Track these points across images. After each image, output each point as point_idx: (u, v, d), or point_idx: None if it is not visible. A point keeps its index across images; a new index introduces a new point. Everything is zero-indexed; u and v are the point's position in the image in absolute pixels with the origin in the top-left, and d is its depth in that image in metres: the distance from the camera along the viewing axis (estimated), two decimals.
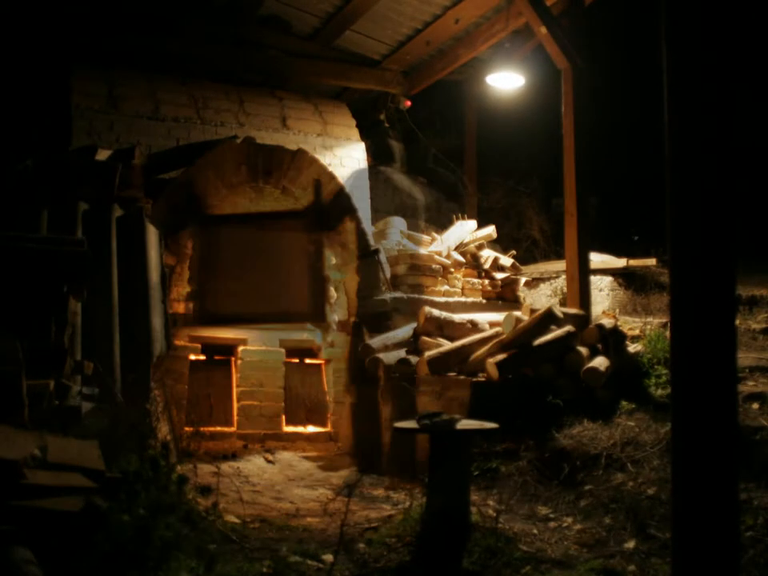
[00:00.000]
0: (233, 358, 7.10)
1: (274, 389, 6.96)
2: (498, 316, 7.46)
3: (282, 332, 7.12)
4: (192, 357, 6.81)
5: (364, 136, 9.26)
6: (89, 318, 4.93)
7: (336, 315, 7.32)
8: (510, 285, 8.00)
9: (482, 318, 7.16)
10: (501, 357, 5.80)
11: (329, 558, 3.86)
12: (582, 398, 5.74)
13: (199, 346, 6.88)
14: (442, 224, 9.76)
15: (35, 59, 7.92)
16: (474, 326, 6.91)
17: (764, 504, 4.06)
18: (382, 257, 7.58)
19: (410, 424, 4.43)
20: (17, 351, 3.61)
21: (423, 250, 7.81)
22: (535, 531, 4.29)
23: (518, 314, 6.43)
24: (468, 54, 8.71)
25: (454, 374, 6.10)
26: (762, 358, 6.14)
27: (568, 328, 6.04)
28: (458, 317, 6.93)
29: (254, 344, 7.00)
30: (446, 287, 7.70)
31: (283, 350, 7.07)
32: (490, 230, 8.38)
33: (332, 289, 7.25)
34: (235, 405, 6.89)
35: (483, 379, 5.91)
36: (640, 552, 3.89)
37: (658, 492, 4.42)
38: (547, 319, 6.03)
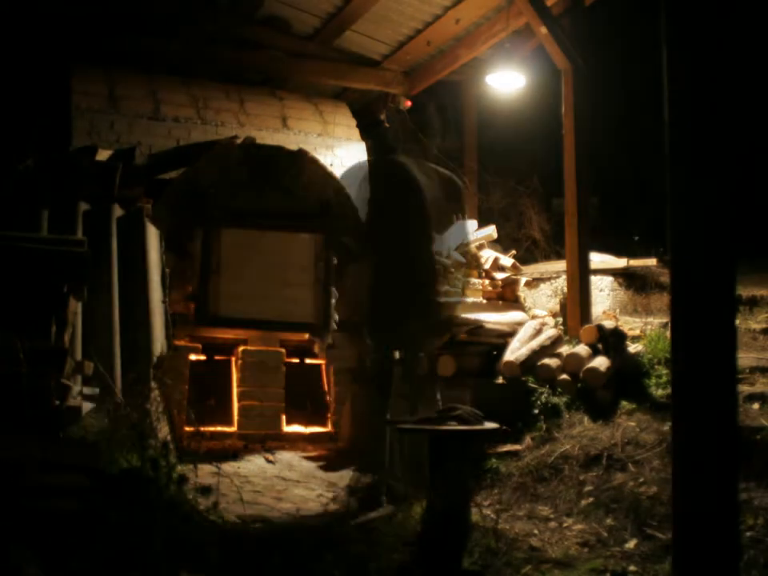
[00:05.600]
0: (233, 358, 7.09)
1: (274, 389, 6.95)
2: (499, 316, 7.46)
3: (283, 332, 7.11)
4: (192, 357, 6.81)
5: (364, 136, 9.26)
6: (89, 318, 4.93)
7: (337, 315, 7.31)
8: (510, 285, 7.99)
9: (484, 318, 7.15)
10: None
11: (329, 558, 3.86)
12: (583, 398, 5.75)
13: (199, 345, 6.88)
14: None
15: (35, 59, 7.91)
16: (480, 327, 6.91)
17: (764, 504, 4.06)
18: None
19: (411, 424, 4.43)
20: (17, 351, 3.61)
21: None
22: (535, 531, 4.29)
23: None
24: (468, 54, 8.70)
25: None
26: (762, 358, 6.13)
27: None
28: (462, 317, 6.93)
29: (255, 344, 6.99)
30: (447, 287, 7.69)
31: (283, 350, 7.06)
32: (491, 230, 8.38)
33: (333, 289, 7.25)
34: (235, 405, 6.89)
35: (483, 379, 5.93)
36: (640, 552, 3.89)
37: (659, 492, 4.42)
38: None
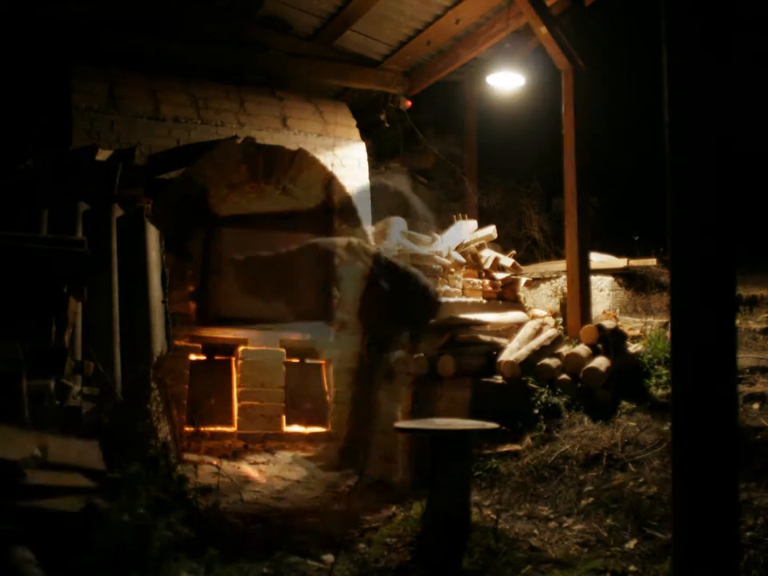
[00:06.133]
0: (233, 358, 7.09)
1: (274, 389, 6.95)
2: (499, 316, 7.47)
3: (283, 332, 7.12)
4: (192, 357, 6.81)
5: (364, 136, 9.26)
6: (89, 318, 4.93)
7: (338, 315, 7.32)
8: (510, 285, 8.00)
9: (486, 318, 7.15)
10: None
11: (329, 558, 3.86)
12: (583, 398, 5.75)
13: (199, 345, 6.88)
14: (442, 224, 9.76)
15: (35, 59, 7.92)
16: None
17: (764, 504, 4.06)
18: None
19: (411, 424, 4.44)
20: (17, 351, 3.61)
21: (423, 250, 7.80)
22: (535, 531, 4.29)
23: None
24: (468, 54, 8.71)
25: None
26: (762, 358, 6.13)
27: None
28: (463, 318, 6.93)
29: (255, 344, 6.99)
30: (447, 287, 7.70)
31: (283, 350, 7.06)
32: (491, 230, 8.38)
33: (335, 289, 7.25)
34: (235, 405, 6.89)
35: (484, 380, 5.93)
36: (640, 552, 3.89)
37: (659, 492, 4.42)
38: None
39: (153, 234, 5.80)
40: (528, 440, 5.47)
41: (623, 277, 8.31)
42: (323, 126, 8.92)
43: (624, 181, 11.76)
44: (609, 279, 8.20)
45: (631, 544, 4.00)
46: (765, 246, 8.81)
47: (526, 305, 8.20)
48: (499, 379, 6.07)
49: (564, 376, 5.89)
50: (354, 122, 9.22)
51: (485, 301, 7.76)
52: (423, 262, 7.60)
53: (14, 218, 5.03)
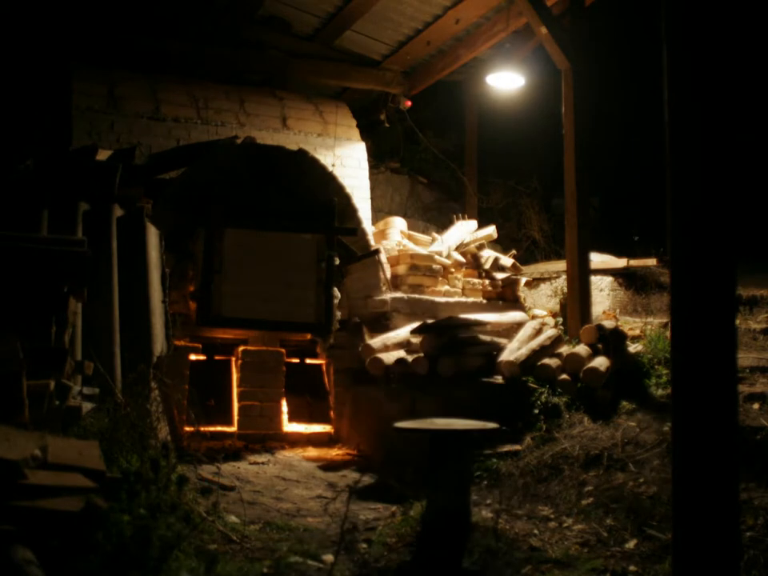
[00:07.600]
0: (233, 358, 7.09)
1: (274, 389, 6.95)
2: (499, 316, 7.47)
3: (283, 332, 7.11)
4: (192, 357, 6.81)
5: (364, 136, 9.26)
6: (89, 318, 4.93)
7: (338, 315, 7.32)
8: (510, 285, 7.99)
9: (486, 318, 7.14)
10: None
11: (329, 558, 3.85)
12: (583, 398, 5.75)
13: (199, 345, 6.87)
14: (442, 224, 9.76)
15: (35, 59, 7.92)
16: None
17: (764, 504, 4.06)
18: (382, 257, 7.57)
19: (411, 424, 4.44)
20: (17, 351, 3.61)
21: (423, 250, 7.80)
22: (535, 531, 4.29)
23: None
24: (468, 54, 8.71)
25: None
26: (762, 358, 6.14)
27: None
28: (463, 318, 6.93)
29: (255, 344, 6.99)
30: (447, 287, 7.70)
31: (284, 350, 7.06)
32: (491, 230, 8.38)
33: (335, 289, 7.26)
34: (236, 405, 6.89)
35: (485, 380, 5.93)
36: (640, 552, 3.89)
37: (659, 492, 4.42)
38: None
39: (153, 234, 5.80)
40: (528, 440, 5.47)
41: (623, 277, 8.31)
42: (323, 126, 8.92)
43: (624, 181, 11.77)
44: (609, 279, 8.20)
45: (631, 544, 4.00)
46: (765, 246, 8.81)
47: (526, 305, 8.20)
48: (499, 379, 6.08)
49: (564, 376, 5.89)
50: (353, 122, 9.22)
51: (485, 301, 7.75)
52: (423, 262, 7.60)
53: (14, 218, 5.03)
